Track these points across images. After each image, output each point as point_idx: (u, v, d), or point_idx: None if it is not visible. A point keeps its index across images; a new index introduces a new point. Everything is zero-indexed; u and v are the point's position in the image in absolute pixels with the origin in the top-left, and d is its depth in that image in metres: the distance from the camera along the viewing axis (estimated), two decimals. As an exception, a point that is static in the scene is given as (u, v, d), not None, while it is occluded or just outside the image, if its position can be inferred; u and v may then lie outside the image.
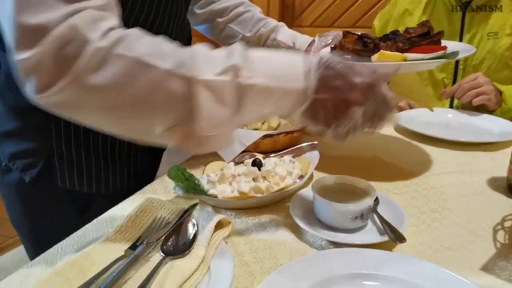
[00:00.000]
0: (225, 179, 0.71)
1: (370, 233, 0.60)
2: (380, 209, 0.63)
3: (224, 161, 0.82)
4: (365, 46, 0.76)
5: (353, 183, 0.66)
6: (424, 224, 0.64)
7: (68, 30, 0.40)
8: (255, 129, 0.90)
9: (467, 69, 1.26)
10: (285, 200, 0.71)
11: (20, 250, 1.87)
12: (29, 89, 0.42)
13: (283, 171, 0.72)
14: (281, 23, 1.01)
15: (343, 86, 0.49)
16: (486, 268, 0.53)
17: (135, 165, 0.85)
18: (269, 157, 0.80)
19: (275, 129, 0.89)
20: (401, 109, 1.28)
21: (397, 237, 0.55)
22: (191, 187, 0.67)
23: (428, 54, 0.73)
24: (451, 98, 1.28)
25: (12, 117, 0.75)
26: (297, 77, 0.47)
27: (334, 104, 0.49)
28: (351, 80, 0.49)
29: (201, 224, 0.57)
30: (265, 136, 0.84)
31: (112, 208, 0.69)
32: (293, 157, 0.82)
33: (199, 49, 0.46)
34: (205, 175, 0.72)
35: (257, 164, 0.73)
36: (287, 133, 0.85)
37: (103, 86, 0.41)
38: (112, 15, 0.45)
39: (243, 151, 0.82)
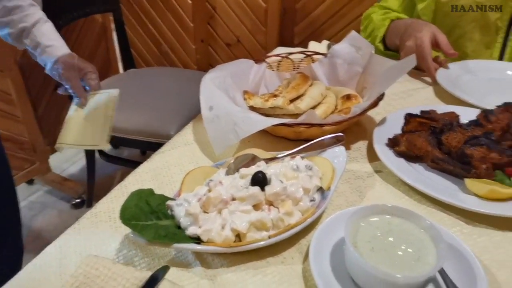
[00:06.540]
0: (212, 206, 0.47)
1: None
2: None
3: (210, 165, 0.58)
4: (448, 154, 0.59)
5: (407, 219, 0.44)
6: None
7: None
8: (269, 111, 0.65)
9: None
10: (300, 235, 0.49)
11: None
12: None
13: (298, 190, 0.49)
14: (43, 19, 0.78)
15: None
16: None
17: None
18: (275, 160, 0.56)
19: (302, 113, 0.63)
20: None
21: None
22: (159, 232, 0.44)
23: None
24: (503, 46, 0.99)
25: None
26: None
27: None
28: None
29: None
30: (280, 125, 0.59)
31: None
32: (302, 157, 0.56)
33: None
34: (181, 199, 0.49)
35: (259, 180, 0.49)
36: (311, 125, 0.59)
37: None
38: None
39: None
